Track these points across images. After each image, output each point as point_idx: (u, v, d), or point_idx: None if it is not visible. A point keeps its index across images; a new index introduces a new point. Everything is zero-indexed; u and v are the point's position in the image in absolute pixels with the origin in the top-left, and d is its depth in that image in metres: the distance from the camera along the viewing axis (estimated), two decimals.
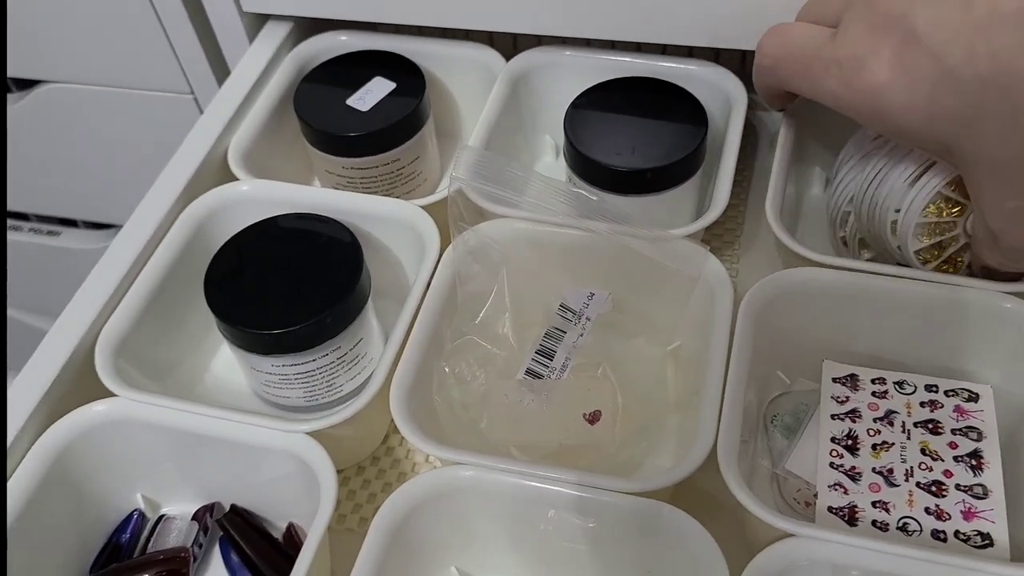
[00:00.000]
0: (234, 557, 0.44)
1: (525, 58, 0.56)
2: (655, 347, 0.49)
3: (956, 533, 0.39)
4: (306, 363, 0.46)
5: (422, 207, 0.49)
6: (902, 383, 0.45)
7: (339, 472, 0.47)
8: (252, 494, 0.45)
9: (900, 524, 0.40)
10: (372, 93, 0.55)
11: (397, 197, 0.53)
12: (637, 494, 0.37)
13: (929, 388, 0.45)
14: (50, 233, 0.89)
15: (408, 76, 0.56)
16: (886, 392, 0.45)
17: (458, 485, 0.39)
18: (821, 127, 0.53)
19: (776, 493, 0.44)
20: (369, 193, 0.56)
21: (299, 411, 0.49)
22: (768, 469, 0.44)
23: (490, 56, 0.57)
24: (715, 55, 0.56)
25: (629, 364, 0.48)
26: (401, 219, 0.49)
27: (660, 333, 0.49)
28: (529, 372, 0.45)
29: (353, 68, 0.57)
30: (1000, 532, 0.39)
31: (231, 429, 0.42)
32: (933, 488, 0.41)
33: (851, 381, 0.45)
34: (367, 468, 0.47)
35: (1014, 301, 0.42)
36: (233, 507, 0.45)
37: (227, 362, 0.51)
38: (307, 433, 0.41)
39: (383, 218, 0.50)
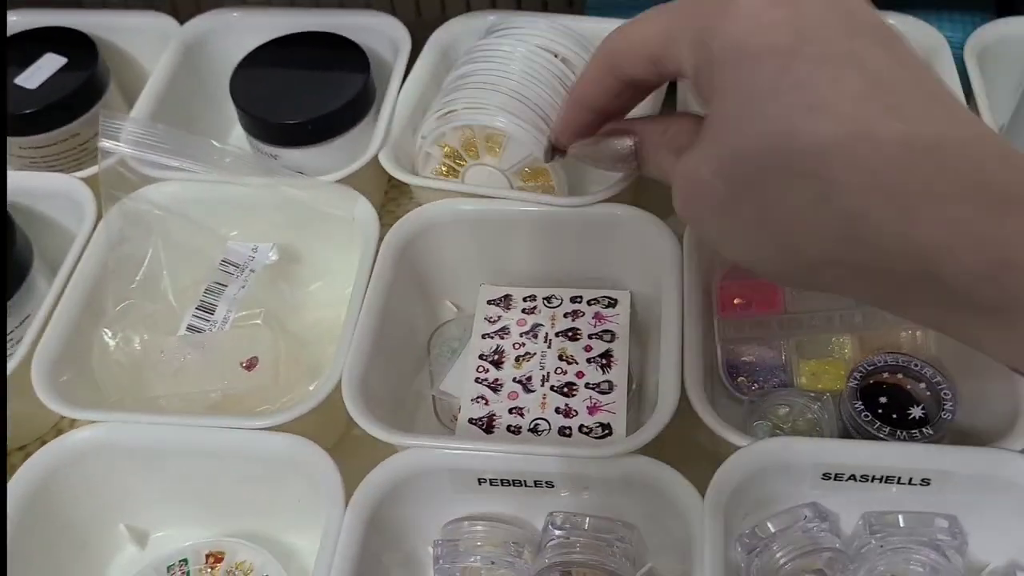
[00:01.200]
0: None
1: (195, 23, 0.57)
2: (333, 292, 0.50)
3: (580, 427, 0.43)
4: None
5: (85, 179, 0.49)
6: (551, 298, 0.48)
7: (19, 450, 0.47)
8: None
9: (532, 426, 0.43)
10: (42, 70, 0.55)
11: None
12: (263, 429, 0.39)
13: (574, 300, 0.48)
14: None
15: (81, 50, 0.56)
16: (535, 308, 0.48)
17: (88, 446, 0.40)
18: None
19: (435, 416, 0.46)
20: (58, 170, 0.55)
21: None
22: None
23: (164, 22, 0.57)
24: (391, 7, 0.58)
25: (305, 311, 0.50)
26: (59, 192, 0.49)
27: (336, 278, 0.50)
28: (191, 328, 0.46)
29: (25, 47, 0.56)
30: (618, 421, 0.43)
31: None
32: (565, 389, 0.44)
33: (504, 301, 0.48)
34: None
35: (626, 209, 0.46)
36: None
37: None
38: None
39: (44, 194, 0.49)
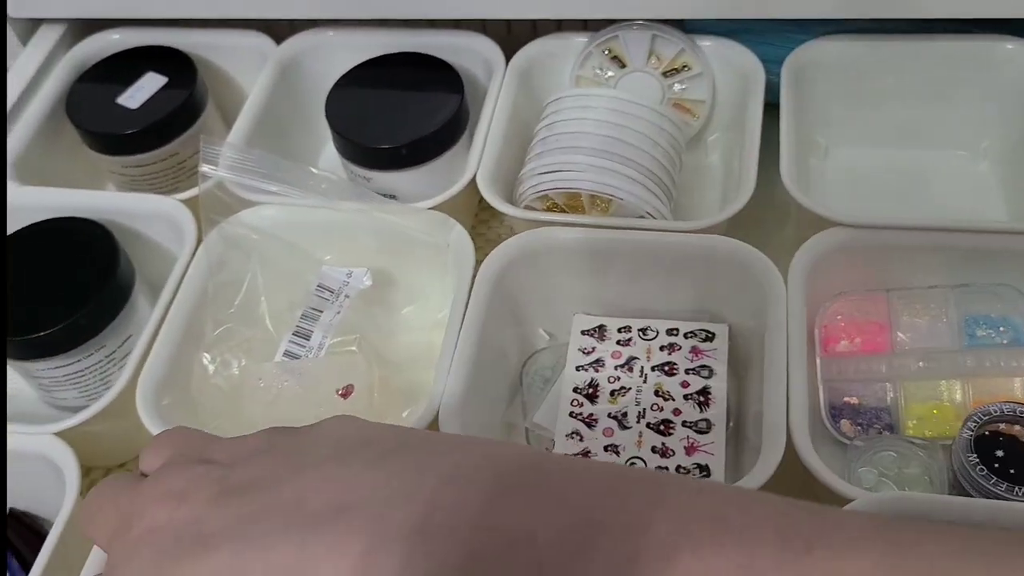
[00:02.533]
0: (13, 561, 0.45)
1: (293, 42, 0.57)
2: (425, 316, 0.50)
3: (678, 468, 0.42)
4: (71, 364, 0.46)
5: (185, 201, 0.50)
6: (646, 329, 0.47)
7: (119, 468, 0.49)
8: (28, 497, 0.46)
9: (627, 464, 0.42)
10: (143, 90, 0.56)
11: (184, 192, 0.54)
12: None
13: (671, 332, 0.47)
14: None
15: (181, 70, 0.57)
16: (630, 340, 0.47)
17: None
18: None
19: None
20: (154, 190, 0.56)
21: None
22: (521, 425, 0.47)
23: (262, 41, 0.58)
24: (482, 26, 0.58)
25: (398, 335, 0.50)
26: (161, 214, 0.50)
27: (428, 303, 0.50)
28: (287, 354, 0.46)
29: (125, 66, 0.57)
30: (717, 463, 0.42)
31: None
32: (661, 427, 0.43)
33: (599, 332, 0.47)
34: None
35: (728, 241, 0.44)
36: (12, 511, 0.46)
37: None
38: (55, 434, 0.42)
39: (146, 215, 0.50)
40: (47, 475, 0.43)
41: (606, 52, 0.54)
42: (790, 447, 0.38)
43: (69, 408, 0.49)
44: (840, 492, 0.37)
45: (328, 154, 0.60)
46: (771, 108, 0.51)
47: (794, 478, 0.41)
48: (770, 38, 0.53)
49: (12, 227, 0.49)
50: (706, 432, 0.43)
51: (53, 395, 0.49)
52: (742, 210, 0.46)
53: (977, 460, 0.39)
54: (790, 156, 0.47)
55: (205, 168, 0.48)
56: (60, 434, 0.42)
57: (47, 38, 0.59)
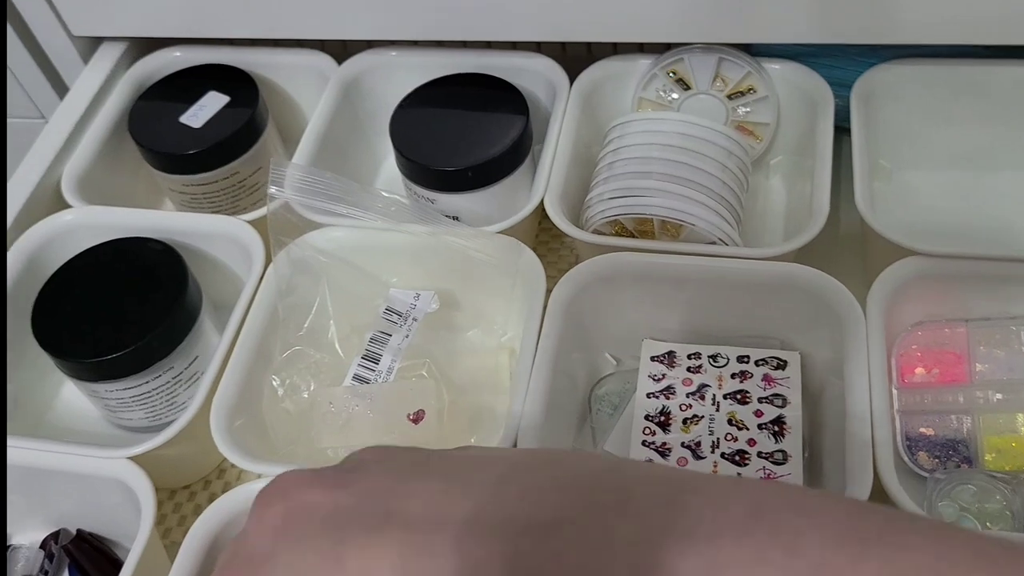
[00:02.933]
0: None
1: (354, 62, 0.57)
2: (489, 339, 0.50)
3: None
4: (139, 385, 0.46)
5: (250, 221, 0.50)
6: (716, 356, 0.47)
7: (184, 489, 0.48)
8: (97, 519, 0.46)
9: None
10: (205, 108, 0.56)
11: (244, 209, 0.54)
12: None
13: (741, 359, 0.46)
14: None
15: (242, 88, 0.57)
16: (700, 367, 0.46)
17: None
18: None
19: None
20: (215, 208, 0.56)
21: (147, 431, 0.49)
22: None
23: (323, 61, 0.58)
24: (537, 47, 0.57)
25: (463, 358, 0.50)
26: (227, 235, 0.50)
27: (492, 325, 0.50)
28: (356, 378, 0.46)
29: (187, 84, 0.57)
30: None
31: (62, 460, 0.43)
32: (736, 458, 0.43)
33: (668, 358, 0.47)
34: (212, 482, 0.48)
35: (803, 269, 0.44)
36: (79, 532, 0.46)
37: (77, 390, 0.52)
38: (130, 458, 0.42)
39: (212, 235, 0.50)
40: (119, 498, 0.43)
41: (671, 74, 0.54)
42: (876, 482, 0.38)
43: (134, 428, 0.50)
44: None
45: (386, 174, 0.60)
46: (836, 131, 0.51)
47: None
48: (838, 62, 0.53)
49: (78, 247, 0.50)
50: (783, 463, 0.42)
51: (119, 415, 0.49)
52: (814, 241, 0.45)
53: None
54: (864, 182, 0.47)
55: (273, 189, 0.48)
56: (134, 458, 0.42)
57: (108, 56, 0.60)
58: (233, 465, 0.49)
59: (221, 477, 0.49)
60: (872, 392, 0.40)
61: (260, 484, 0.41)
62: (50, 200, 0.53)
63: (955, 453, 0.43)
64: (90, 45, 0.60)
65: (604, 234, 0.49)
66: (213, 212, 0.56)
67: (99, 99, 0.58)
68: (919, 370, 0.44)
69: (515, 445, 0.40)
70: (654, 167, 0.48)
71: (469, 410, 0.47)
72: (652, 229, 0.48)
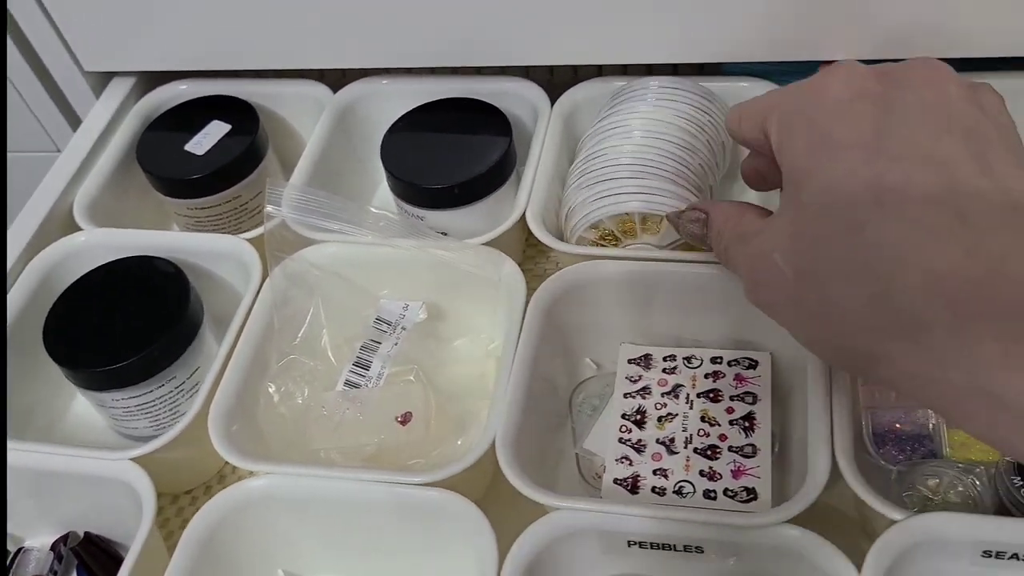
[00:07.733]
0: None
1: (348, 91, 0.60)
2: (476, 347, 0.52)
3: (725, 491, 0.43)
4: (144, 394, 0.49)
5: (249, 240, 0.53)
6: (690, 358, 0.49)
7: (186, 494, 0.51)
8: (104, 521, 0.49)
9: (676, 488, 0.44)
10: (208, 136, 0.59)
11: (246, 231, 0.57)
12: (420, 484, 0.41)
13: (715, 360, 0.48)
14: None
15: (243, 117, 0.60)
16: (675, 368, 0.49)
17: (257, 495, 0.43)
18: None
19: (578, 472, 0.47)
20: (217, 230, 0.59)
21: (151, 440, 0.52)
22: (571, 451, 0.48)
23: (319, 90, 0.61)
24: (525, 71, 0.60)
25: (450, 366, 0.52)
26: (227, 253, 0.53)
27: (479, 334, 0.52)
28: (348, 383, 0.49)
29: (192, 114, 0.61)
30: (763, 485, 0.43)
31: (69, 462, 0.45)
32: (708, 452, 0.45)
33: (645, 361, 0.49)
34: (213, 488, 0.51)
35: None
36: (87, 535, 0.49)
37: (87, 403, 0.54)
38: (132, 459, 0.44)
39: (213, 253, 0.53)
40: (122, 500, 0.45)
41: None
42: (835, 472, 0.39)
43: (139, 438, 0.52)
44: (886, 516, 0.38)
45: (381, 194, 0.63)
46: None
47: (841, 501, 0.42)
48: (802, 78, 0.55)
49: (89, 266, 0.53)
50: (752, 456, 0.44)
51: (124, 424, 0.51)
52: None
53: (1021, 482, 0.40)
54: None
55: (270, 208, 0.51)
56: (136, 460, 0.44)
57: (119, 89, 0.63)
58: (233, 471, 0.51)
59: (221, 483, 0.51)
60: (833, 388, 0.42)
61: (258, 482, 0.44)
62: (63, 223, 0.57)
63: (921, 447, 0.45)
64: (101, 80, 0.64)
65: (588, 239, 0.51)
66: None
67: (110, 130, 0.61)
68: None
69: (493, 447, 0.42)
70: (624, 161, 0.50)
71: (456, 414, 0.49)
72: (634, 227, 0.50)
